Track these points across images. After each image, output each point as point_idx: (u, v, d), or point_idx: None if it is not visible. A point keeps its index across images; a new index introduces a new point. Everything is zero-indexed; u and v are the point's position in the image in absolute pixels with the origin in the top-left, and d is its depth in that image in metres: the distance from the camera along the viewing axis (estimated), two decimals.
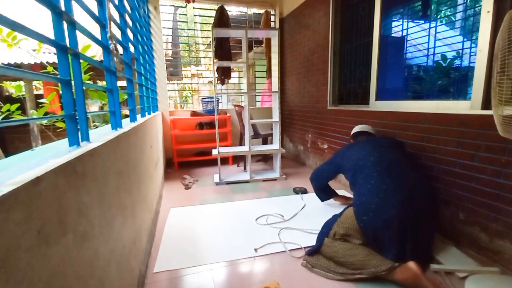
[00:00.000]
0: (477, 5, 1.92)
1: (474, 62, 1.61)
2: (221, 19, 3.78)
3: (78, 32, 0.93)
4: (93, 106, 3.52)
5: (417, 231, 1.38)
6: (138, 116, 2.19)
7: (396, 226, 1.36)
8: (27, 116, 4.10)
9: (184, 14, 6.07)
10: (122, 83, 6.14)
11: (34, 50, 3.46)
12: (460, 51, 2.33)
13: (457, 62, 2.40)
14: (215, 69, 3.29)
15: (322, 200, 2.28)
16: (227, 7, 3.88)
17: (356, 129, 2.20)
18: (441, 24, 2.57)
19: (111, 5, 1.36)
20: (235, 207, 2.34)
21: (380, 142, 1.82)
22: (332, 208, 2.27)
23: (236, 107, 3.48)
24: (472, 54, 2.03)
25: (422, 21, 2.50)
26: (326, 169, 2.10)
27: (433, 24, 2.31)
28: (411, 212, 1.38)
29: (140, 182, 1.57)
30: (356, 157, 1.76)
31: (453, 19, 2.58)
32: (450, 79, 2.44)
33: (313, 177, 2.19)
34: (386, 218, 1.37)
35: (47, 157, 0.69)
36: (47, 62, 3.83)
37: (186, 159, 3.83)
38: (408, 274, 1.24)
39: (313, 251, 1.54)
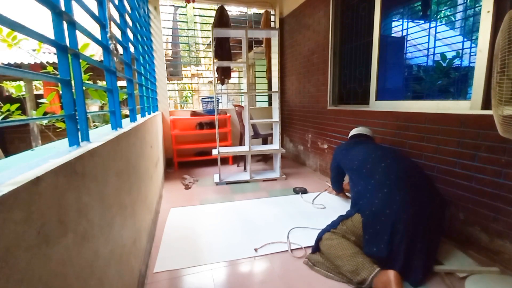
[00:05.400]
0: (477, 5, 1.92)
1: (474, 62, 1.61)
2: (221, 19, 3.78)
3: (78, 32, 0.93)
4: (93, 106, 3.52)
5: (423, 244, 1.33)
6: (138, 116, 2.19)
7: (403, 238, 1.31)
8: (27, 116, 4.10)
9: (184, 14, 6.07)
10: (122, 83, 6.14)
11: (34, 50, 3.46)
12: (460, 51, 2.33)
13: (457, 62, 2.41)
14: (215, 69, 3.29)
15: (337, 190, 2.47)
16: (227, 7, 3.88)
17: (355, 131, 2.21)
18: (441, 24, 2.57)
19: (111, 5, 1.36)
20: (235, 207, 2.34)
21: (387, 149, 1.78)
22: (334, 209, 2.27)
23: (236, 107, 3.48)
24: (472, 54, 2.03)
25: (422, 21, 2.50)
26: (334, 174, 2.26)
27: (433, 24, 2.31)
28: (420, 225, 1.33)
29: (140, 182, 1.57)
30: (363, 158, 1.71)
31: (453, 19, 2.58)
32: (450, 79, 2.44)
33: (331, 176, 2.35)
34: (395, 230, 1.33)
35: (47, 157, 0.69)
36: (47, 62, 3.83)
37: (186, 159, 3.83)
38: (383, 280, 1.20)
39: (314, 249, 1.55)
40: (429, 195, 1.43)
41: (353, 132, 2.23)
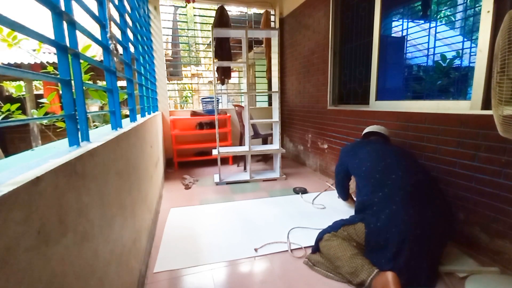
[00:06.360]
0: (477, 5, 1.92)
1: (474, 62, 1.61)
2: (221, 19, 3.78)
3: (78, 32, 0.93)
4: (93, 106, 3.52)
5: (428, 261, 1.31)
6: (138, 116, 2.19)
7: (407, 257, 1.29)
8: (27, 116, 4.10)
9: (184, 14, 6.07)
10: (122, 83, 6.13)
11: (34, 50, 3.46)
12: (460, 51, 2.33)
13: (457, 62, 2.41)
14: (215, 69, 3.29)
15: (343, 200, 2.31)
16: (227, 7, 3.88)
17: (368, 129, 2.08)
18: (441, 24, 2.57)
19: (111, 5, 1.36)
20: (235, 207, 2.34)
21: (398, 155, 1.65)
22: (337, 209, 2.27)
23: (236, 107, 3.48)
24: (472, 54, 2.03)
25: (422, 21, 2.50)
26: (339, 170, 2.07)
27: (433, 24, 2.31)
28: (426, 245, 1.31)
29: (140, 182, 1.57)
30: (372, 165, 1.61)
31: (453, 19, 2.58)
32: (450, 79, 2.44)
33: (336, 182, 2.21)
34: (399, 249, 1.30)
35: (47, 157, 0.69)
36: (47, 62, 3.82)
37: (186, 159, 3.83)
38: (381, 282, 1.19)
39: (314, 249, 1.55)
40: (439, 213, 1.38)
41: (365, 130, 2.10)
